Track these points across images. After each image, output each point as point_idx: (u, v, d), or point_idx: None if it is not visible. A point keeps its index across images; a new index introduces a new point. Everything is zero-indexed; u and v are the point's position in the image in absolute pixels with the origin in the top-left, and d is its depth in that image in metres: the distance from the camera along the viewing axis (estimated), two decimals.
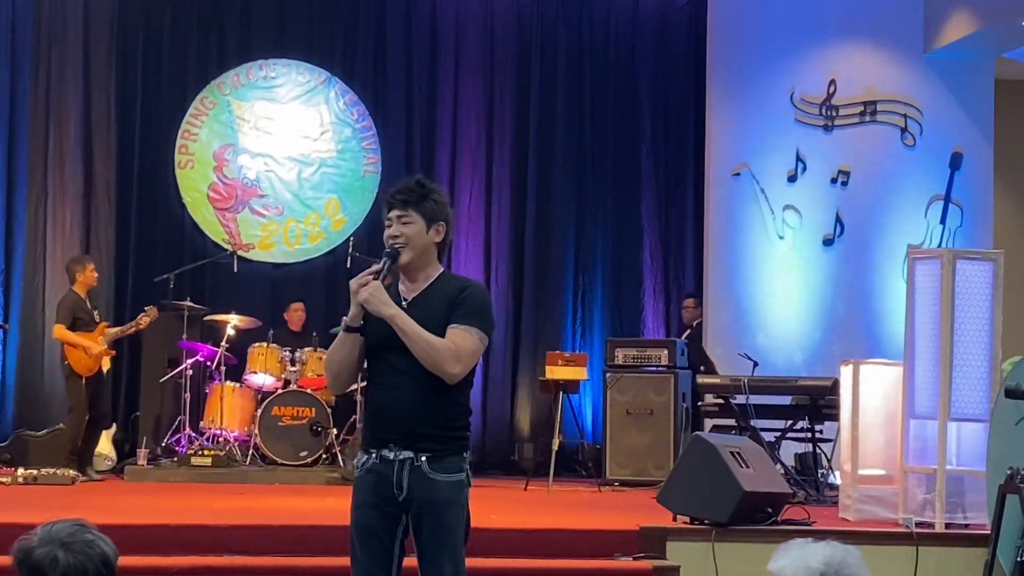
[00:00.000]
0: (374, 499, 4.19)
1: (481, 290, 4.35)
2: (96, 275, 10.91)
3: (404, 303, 4.21)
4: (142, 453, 11.07)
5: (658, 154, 13.02)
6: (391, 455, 4.17)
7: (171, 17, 12.56)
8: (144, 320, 10.99)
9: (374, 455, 4.20)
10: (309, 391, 11.18)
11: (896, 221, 12.54)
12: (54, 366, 11.94)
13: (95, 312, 10.85)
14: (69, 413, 10.68)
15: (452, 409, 4.24)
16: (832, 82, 12.55)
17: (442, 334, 4.17)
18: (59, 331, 10.61)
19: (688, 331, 12.23)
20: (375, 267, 4.22)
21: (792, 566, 2.80)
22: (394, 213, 4.26)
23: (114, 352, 11.00)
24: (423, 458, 4.16)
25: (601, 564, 7.10)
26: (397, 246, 4.23)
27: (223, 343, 11.35)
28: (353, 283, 4.21)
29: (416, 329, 4.13)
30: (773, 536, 7.22)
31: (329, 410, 11.13)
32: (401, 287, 4.27)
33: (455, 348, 4.14)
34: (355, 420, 11.18)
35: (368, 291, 4.17)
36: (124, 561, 3.00)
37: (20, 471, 10.11)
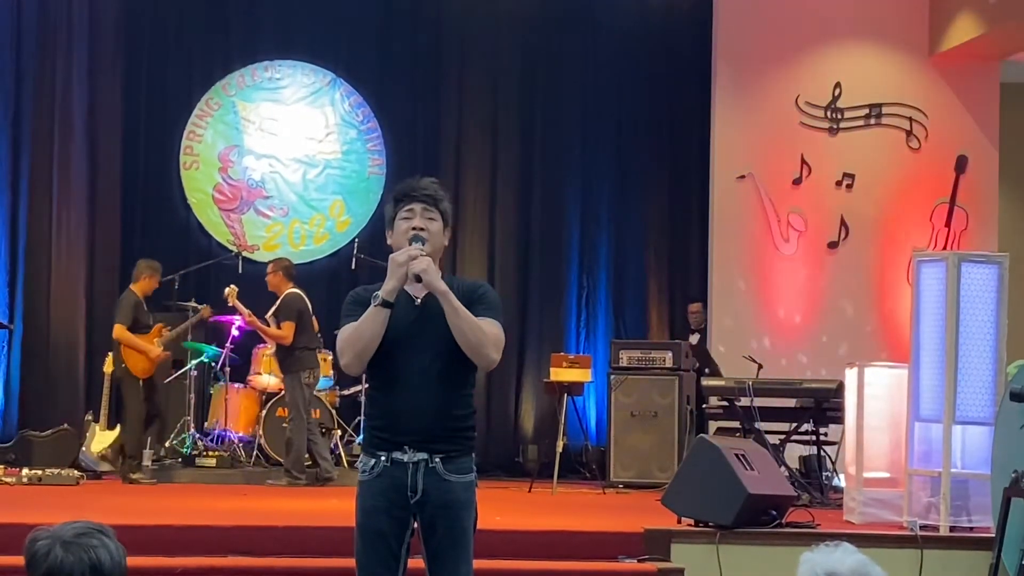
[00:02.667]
0: (385, 503, 4.14)
1: (493, 289, 4.36)
2: (157, 285, 10.83)
3: (416, 302, 4.15)
4: (147, 454, 11.06)
5: (663, 157, 13.01)
6: (404, 457, 4.12)
7: (177, 18, 12.57)
8: (207, 311, 11.08)
9: (384, 458, 4.14)
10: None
11: (901, 224, 12.54)
12: (58, 366, 11.97)
13: (151, 316, 10.85)
14: (127, 416, 10.65)
15: (464, 409, 4.23)
16: (837, 86, 12.54)
17: None
18: (119, 332, 10.50)
19: (697, 335, 12.23)
20: (415, 247, 4.12)
21: (819, 561, 2.80)
22: (419, 206, 4.21)
23: (169, 353, 10.93)
24: (437, 459, 4.13)
25: (605, 566, 7.11)
26: (423, 237, 4.18)
27: (227, 344, 11.36)
28: (401, 255, 4.09)
29: (466, 310, 4.10)
30: (777, 539, 7.24)
31: (333, 411, 11.13)
32: (408, 288, 4.17)
33: (495, 336, 4.16)
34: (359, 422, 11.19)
35: (427, 262, 4.09)
36: (128, 562, 3.00)
37: (24, 471, 10.13)
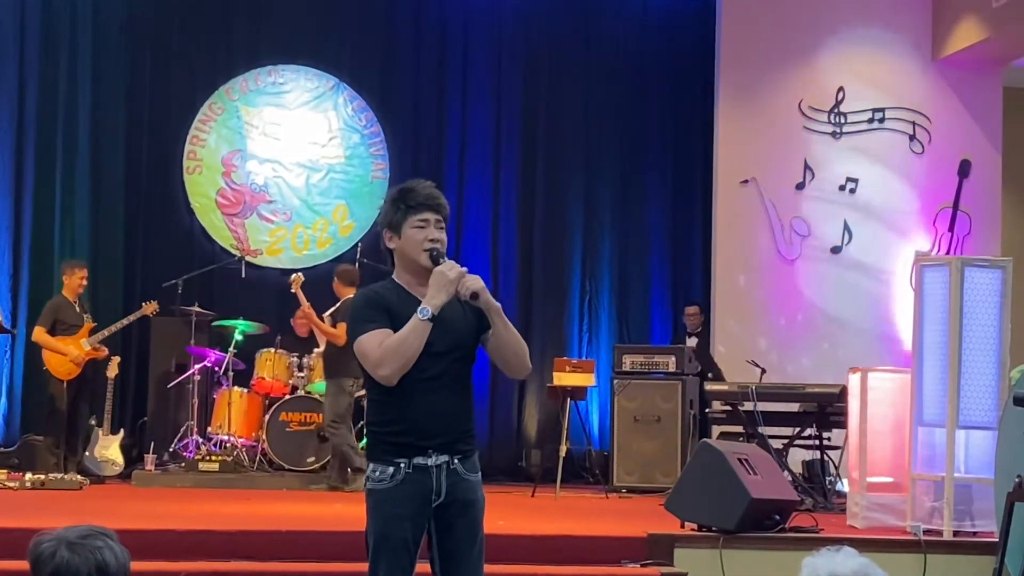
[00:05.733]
0: (410, 510, 4.12)
1: None
2: (83, 281, 11.04)
3: (433, 311, 4.13)
4: (150, 458, 11.08)
5: (666, 161, 13.02)
6: (427, 461, 4.13)
7: (180, 22, 12.58)
8: (151, 308, 11.23)
9: (404, 464, 4.12)
10: (317, 396, 11.19)
11: (904, 229, 12.54)
12: None
13: (85, 315, 10.97)
14: (50, 415, 10.82)
15: (471, 410, 4.29)
16: (840, 90, 12.55)
17: (474, 340, 4.24)
18: (38, 334, 10.86)
19: (694, 339, 12.23)
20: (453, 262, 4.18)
21: (821, 565, 2.81)
22: (433, 217, 4.23)
23: (101, 353, 11.03)
24: (456, 460, 4.17)
25: (608, 571, 7.10)
26: (440, 250, 4.21)
27: (231, 348, 11.36)
28: (451, 271, 4.10)
29: (511, 325, 4.24)
30: (780, 543, 7.24)
31: None
32: (415, 295, 4.19)
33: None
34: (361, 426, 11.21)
35: (481, 280, 4.16)
36: (132, 566, 3.00)
37: (28, 476, 10.13)
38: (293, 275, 10.99)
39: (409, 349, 4.08)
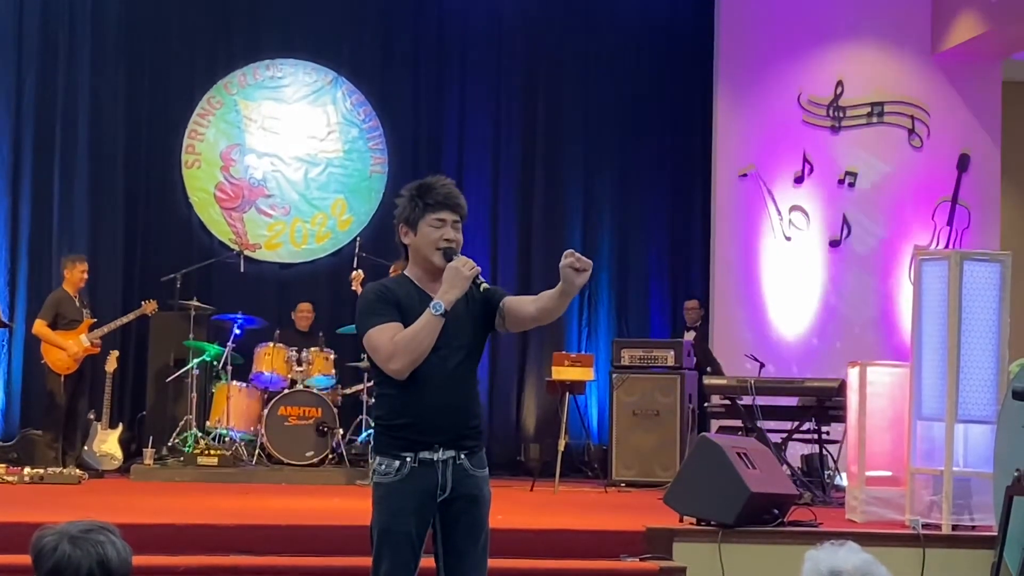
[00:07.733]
0: (414, 505, 4.14)
1: None
2: (84, 275, 11.07)
3: (446, 306, 4.15)
4: (148, 453, 11.07)
5: (665, 155, 13.01)
6: (434, 456, 4.15)
7: (179, 16, 12.57)
8: (150, 307, 11.28)
9: (410, 459, 4.15)
10: (316, 391, 11.18)
11: (903, 222, 12.54)
12: None
13: (85, 311, 10.99)
14: (49, 409, 10.87)
15: (478, 404, 4.34)
16: (839, 83, 12.54)
17: (479, 333, 4.30)
18: (39, 327, 10.90)
19: (692, 332, 12.23)
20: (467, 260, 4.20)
21: (824, 559, 2.81)
22: (451, 217, 4.25)
23: (98, 350, 11.06)
24: (463, 455, 4.19)
25: (607, 565, 7.10)
26: (455, 250, 4.24)
27: (229, 343, 11.36)
28: (466, 268, 4.14)
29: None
30: (779, 537, 7.24)
31: (335, 410, 11.13)
32: (426, 291, 4.23)
33: None
34: (361, 420, 11.21)
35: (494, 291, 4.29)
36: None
37: (27, 470, 10.13)
38: (354, 273, 10.85)
39: (422, 343, 4.10)
